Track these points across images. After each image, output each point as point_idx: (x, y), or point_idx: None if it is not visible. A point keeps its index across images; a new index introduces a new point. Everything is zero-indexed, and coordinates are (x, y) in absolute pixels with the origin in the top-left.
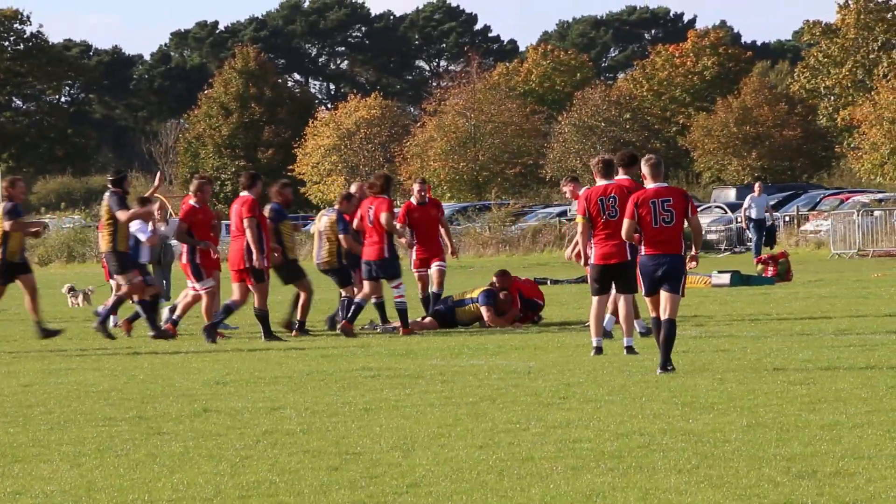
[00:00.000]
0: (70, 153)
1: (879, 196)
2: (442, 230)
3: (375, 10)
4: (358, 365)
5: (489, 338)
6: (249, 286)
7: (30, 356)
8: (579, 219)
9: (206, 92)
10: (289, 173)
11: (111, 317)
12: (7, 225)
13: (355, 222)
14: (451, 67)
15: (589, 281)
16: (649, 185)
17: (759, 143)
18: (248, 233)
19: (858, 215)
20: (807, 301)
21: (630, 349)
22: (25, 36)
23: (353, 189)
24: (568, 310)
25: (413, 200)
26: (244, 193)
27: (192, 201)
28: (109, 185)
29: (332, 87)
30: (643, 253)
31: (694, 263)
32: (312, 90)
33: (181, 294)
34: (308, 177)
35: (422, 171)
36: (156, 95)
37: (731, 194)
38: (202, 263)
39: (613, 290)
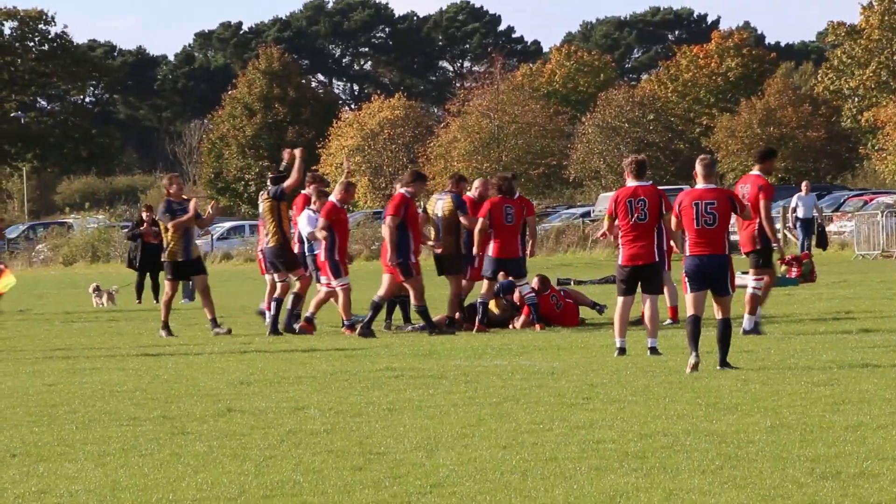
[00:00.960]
0: (94, 153)
1: None
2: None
3: (399, 10)
4: (382, 365)
5: (513, 338)
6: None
7: (55, 356)
8: (606, 219)
9: (230, 92)
10: (312, 173)
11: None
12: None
13: (480, 221)
14: (475, 68)
15: (616, 281)
16: (699, 185)
17: (783, 144)
18: (385, 230)
19: (883, 216)
20: (831, 302)
21: (654, 350)
22: (50, 36)
23: (476, 185)
24: (592, 311)
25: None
26: (401, 190)
27: (335, 199)
28: (270, 183)
29: (355, 87)
30: (687, 253)
31: (795, 272)
32: (336, 91)
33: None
34: (332, 177)
35: (445, 171)
36: (180, 96)
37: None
38: (340, 260)
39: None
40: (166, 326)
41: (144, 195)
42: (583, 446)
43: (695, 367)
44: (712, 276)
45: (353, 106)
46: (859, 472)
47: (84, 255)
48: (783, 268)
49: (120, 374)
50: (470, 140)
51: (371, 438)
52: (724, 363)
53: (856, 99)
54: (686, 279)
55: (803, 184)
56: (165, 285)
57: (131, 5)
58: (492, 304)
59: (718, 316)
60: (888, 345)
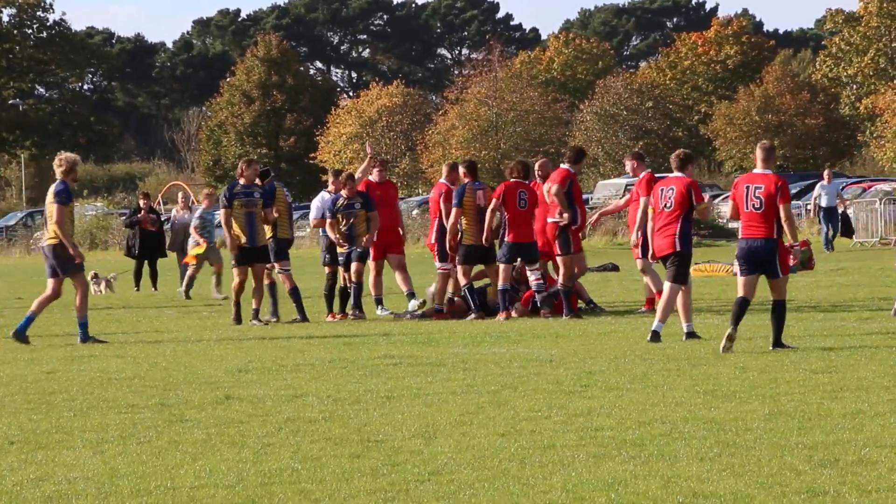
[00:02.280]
0: (93, 141)
1: None
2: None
3: None
4: (380, 353)
5: (511, 326)
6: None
7: (53, 344)
8: (642, 202)
9: (228, 80)
10: (311, 161)
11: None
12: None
13: (493, 202)
14: (473, 56)
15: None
16: (756, 169)
17: (781, 131)
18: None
19: (881, 204)
20: (829, 289)
21: (655, 335)
22: (48, 24)
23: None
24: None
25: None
26: (679, 174)
27: (443, 180)
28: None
29: (353, 75)
30: (740, 236)
31: (793, 259)
32: (334, 78)
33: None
34: (330, 164)
35: (444, 159)
36: (178, 83)
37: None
38: (450, 243)
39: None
40: (238, 315)
41: (143, 182)
42: (581, 434)
43: (729, 337)
44: (761, 258)
45: (351, 93)
46: (857, 460)
47: (82, 242)
48: None
49: (118, 362)
50: (468, 127)
51: (369, 426)
52: (777, 343)
53: (854, 86)
54: (738, 262)
55: (825, 172)
56: (232, 272)
57: None
58: (490, 290)
59: (771, 298)
60: (886, 332)
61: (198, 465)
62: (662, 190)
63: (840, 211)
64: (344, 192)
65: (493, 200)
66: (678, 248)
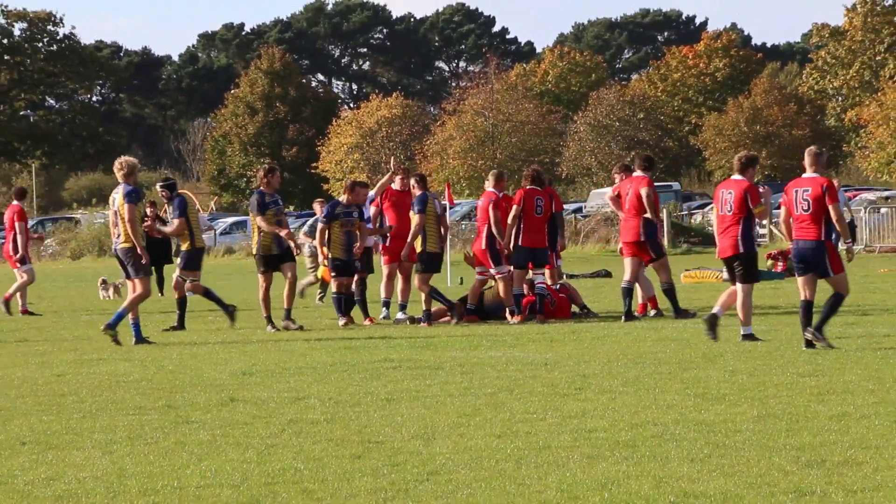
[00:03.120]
0: (101, 151)
1: (886, 194)
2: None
3: (397, 12)
4: (380, 356)
5: (507, 330)
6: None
7: (63, 347)
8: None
9: (232, 92)
10: (312, 170)
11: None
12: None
13: (514, 209)
14: (470, 68)
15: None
16: (805, 174)
17: (769, 142)
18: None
19: (866, 212)
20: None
21: (748, 337)
22: (58, 37)
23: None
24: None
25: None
26: (739, 177)
27: (491, 189)
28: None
29: (354, 87)
30: (793, 237)
31: (781, 265)
32: (335, 90)
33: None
34: (331, 174)
35: (442, 168)
36: (184, 95)
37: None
38: (500, 249)
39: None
40: (270, 321)
41: (149, 191)
42: (575, 435)
43: (808, 343)
44: (809, 259)
45: (351, 105)
46: (843, 461)
47: (91, 249)
48: (769, 262)
49: (126, 365)
50: (465, 138)
51: (370, 427)
52: (818, 329)
53: (839, 98)
54: (794, 263)
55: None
56: (259, 279)
57: (137, 7)
58: (488, 293)
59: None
60: (871, 336)
61: (203, 465)
62: (722, 193)
63: (847, 219)
64: (344, 199)
65: (514, 207)
66: (741, 250)
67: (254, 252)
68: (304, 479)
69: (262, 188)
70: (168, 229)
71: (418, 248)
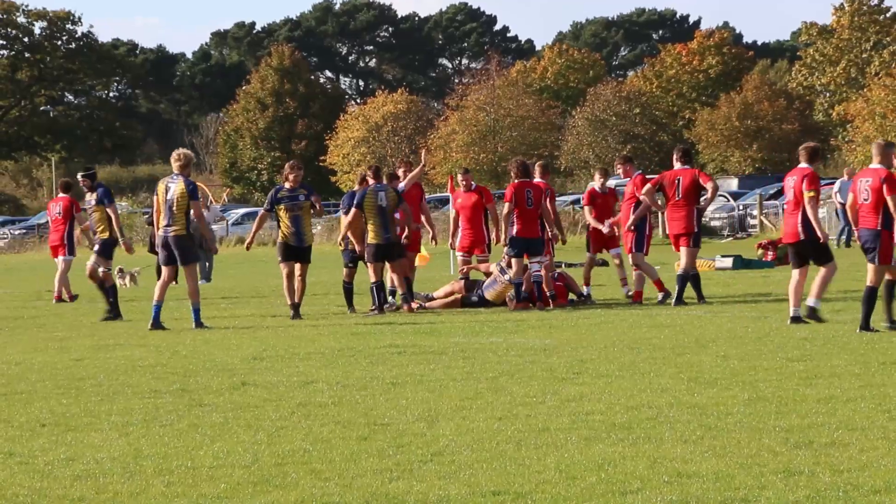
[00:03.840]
0: (118, 145)
1: None
2: (490, 216)
3: (402, 11)
4: (385, 342)
5: (508, 317)
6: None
7: (81, 333)
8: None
9: (243, 88)
10: (321, 163)
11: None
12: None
13: (507, 206)
14: (473, 65)
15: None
16: (871, 165)
17: (759, 136)
18: (808, 208)
19: None
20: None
21: (812, 311)
22: (77, 36)
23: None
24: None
25: (460, 188)
26: (803, 165)
27: (595, 185)
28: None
29: (361, 83)
30: (857, 227)
31: (771, 255)
32: (343, 86)
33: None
34: (339, 166)
35: (445, 162)
36: (197, 91)
37: (733, 184)
38: (548, 238)
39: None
40: (295, 308)
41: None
42: (573, 418)
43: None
44: (863, 246)
45: (358, 100)
46: (830, 442)
47: None
48: (759, 251)
49: (142, 350)
50: (468, 132)
51: (375, 410)
52: (891, 320)
53: (827, 94)
54: (862, 249)
55: (845, 170)
56: (281, 269)
57: (152, 7)
58: (498, 289)
59: (867, 283)
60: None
61: (216, 446)
62: (787, 180)
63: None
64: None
65: (507, 204)
66: (802, 237)
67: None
68: (312, 459)
69: (283, 184)
70: (92, 220)
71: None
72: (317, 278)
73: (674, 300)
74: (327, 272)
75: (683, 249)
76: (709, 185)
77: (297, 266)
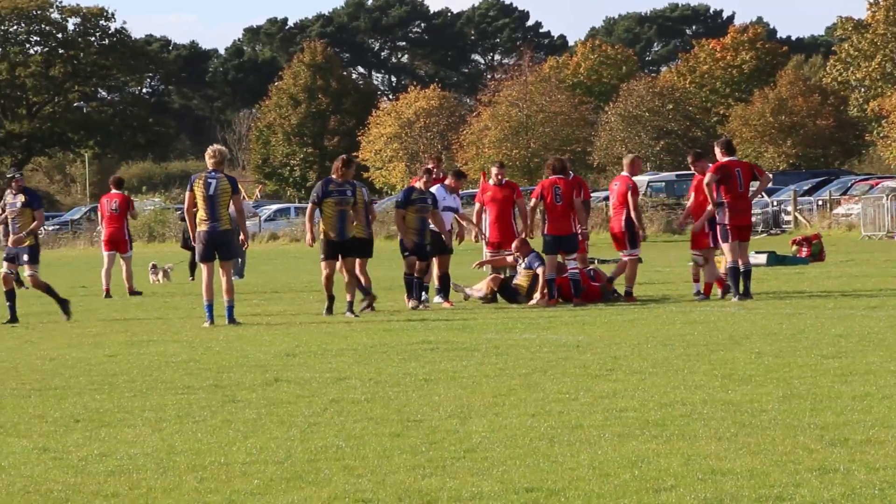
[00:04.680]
0: (151, 141)
1: None
2: (517, 211)
3: (434, 7)
4: (418, 338)
5: (541, 313)
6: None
7: (115, 329)
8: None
9: (276, 84)
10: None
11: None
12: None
13: (533, 201)
14: (505, 61)
15: None
16: None
17: (793, 131)
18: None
19: (887, 199)
20: (839, 280)
21: None
22: (110, 32)
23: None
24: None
25: (490, 181)
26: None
27: (625, 173)
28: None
29: (393, 79)
30: None
31: (805, 251)
32: (375, 82)
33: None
34: (371, 162)
35: (477, 158)
36: (230, 87)
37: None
38: (636, 232)
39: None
40: (330, 306)
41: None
42: (606, 414)
43: None
44: None
45: (390, 96)
46: (866, 439)
47: (141, 235)
48: (794, 248)
49: (175, 346)
50: (500, 128)
51: (408, 407)
52: None
53: (862, 89)
54: None
55: None
56: (322, 267)
57: (185, 3)
58: (521, 279)
59: None
60: (893, 319)
61: (249, 442)
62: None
63: None
64: (419, 185)
65: (533, 199)
66: None
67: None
68: (345, 456)
69: (330, 176)
70: (36, 225)
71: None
72: None
73: (738, 295)
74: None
75: (741, 244)
76: (763, 178)
77: (347, 260)
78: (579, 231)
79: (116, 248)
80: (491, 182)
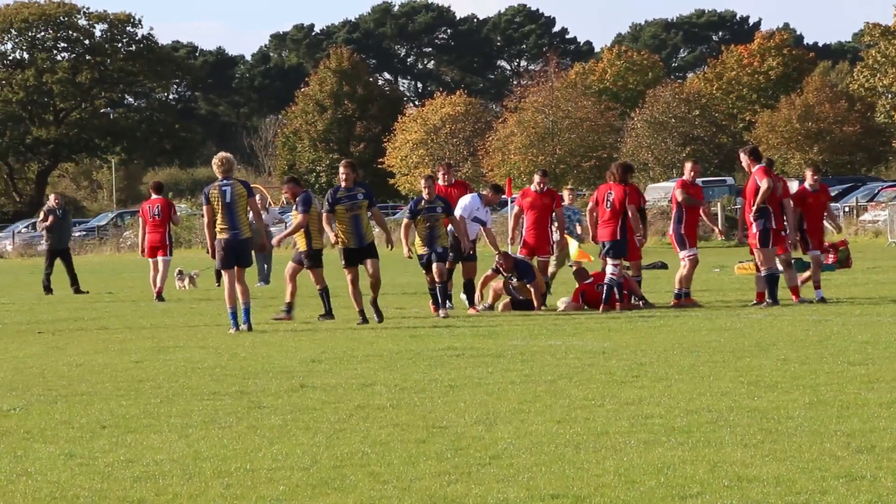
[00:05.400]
0: (177, 147)
1: None
2: (555, 218)
3: (460, 13)
4: (444, 345)
5: (566, 320)
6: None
7: (141, 335)
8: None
9: (302, 90)
10: (379, 166)
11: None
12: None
13: (590, 205)
14: (531, 67)
15: None
16: None
17: (820, 138)
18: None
19: None
20: (865, 286)
21: None
22: (137, 38)
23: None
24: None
25: (532, 188)
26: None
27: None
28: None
29: (419, 85)
30: None
31: (832, 258)
32: (401, 88)
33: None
34: (397, 169)
35: (503, 164)
36: (256, 93)
37: (793, 187)
38: (685, 234)
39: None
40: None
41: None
42: (632, 421)
43: None
44: None
45: (416, 102)
46: (892, 446)
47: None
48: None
49: (201, 353)
50: (526, 134)
51: (434, 413)
52: None
53: (889, 96)
54: None
55: None
56: (346, 274)
57: (212, 9)
58: (525, 292)
59: None
60: None
61: (275, 448)
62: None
63: None
64: (425, 195)
65: (590, 203)
66: None
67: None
68: (370, 462)
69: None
70: None
71: (303, 247)
72: None
73: (770, 301)
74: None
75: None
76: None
77: (369, 263)
78: (637, 237)
79: (158, 254)
80: (532, 188)
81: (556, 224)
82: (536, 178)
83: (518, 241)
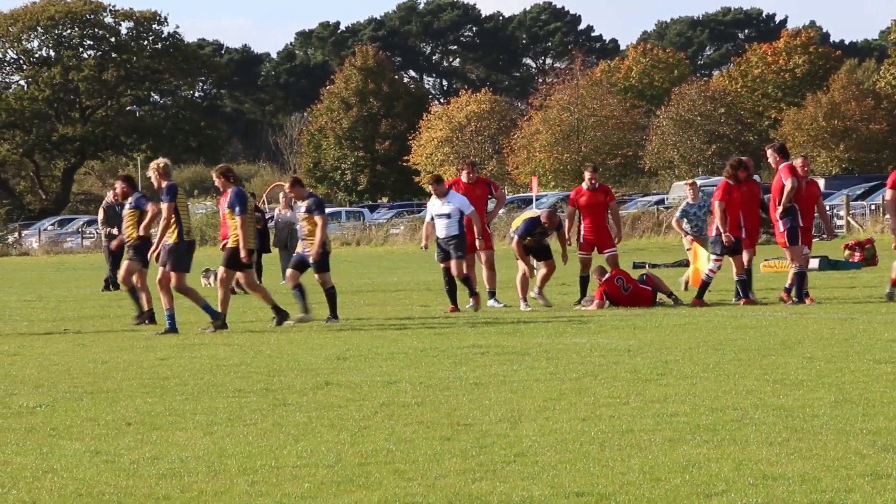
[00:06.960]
0: (203, 144)
1: None
2: (610, 215)
3: (486, 11)
4: (468, 342)
5: (591, 317)
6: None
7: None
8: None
9: (328, 87)
10: (404, 163)
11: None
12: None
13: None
14: (556, 65)
15: None
16: None
17: (846, 136)
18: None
19: None
20: None
21: None
22: (163, 36)
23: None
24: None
25: (584, 186)
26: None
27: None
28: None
29: (444, 83)
30: None
31: (858, 256)
32: (426, 86)
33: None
34: (422, 166)
35: (528, 162)
36: (282, 91)
37: (819, 184)
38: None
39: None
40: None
41: (248, 183)
42: (657, 419)
43: None
44: None
45: (442, 100)
46: None
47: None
48: (846, 252)
49: (226, 350)
50: (551, 132)
51: (459, 411)
52: None
53: None
54: None
55: None
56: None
57: (238, 7)
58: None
59: None
60: None
61: (300, 445)
62: None
63: None
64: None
65: (717, 202)
66: None
67: None
68: (395, 459)
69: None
70: None
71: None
72: (399, 278)
73: (797, 299)
74: (410, 272)
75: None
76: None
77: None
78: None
79: None
80: (585, 186)
81: (612, 220)
82: (587, 174)
83: (577, 239)
